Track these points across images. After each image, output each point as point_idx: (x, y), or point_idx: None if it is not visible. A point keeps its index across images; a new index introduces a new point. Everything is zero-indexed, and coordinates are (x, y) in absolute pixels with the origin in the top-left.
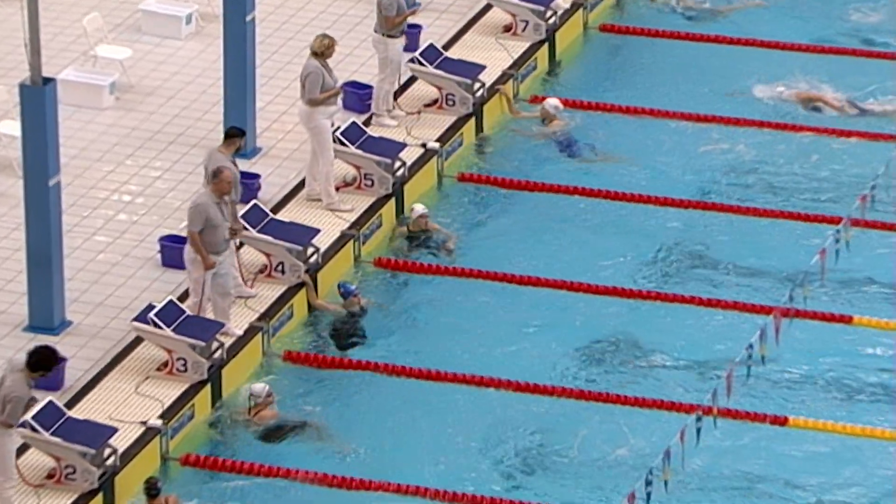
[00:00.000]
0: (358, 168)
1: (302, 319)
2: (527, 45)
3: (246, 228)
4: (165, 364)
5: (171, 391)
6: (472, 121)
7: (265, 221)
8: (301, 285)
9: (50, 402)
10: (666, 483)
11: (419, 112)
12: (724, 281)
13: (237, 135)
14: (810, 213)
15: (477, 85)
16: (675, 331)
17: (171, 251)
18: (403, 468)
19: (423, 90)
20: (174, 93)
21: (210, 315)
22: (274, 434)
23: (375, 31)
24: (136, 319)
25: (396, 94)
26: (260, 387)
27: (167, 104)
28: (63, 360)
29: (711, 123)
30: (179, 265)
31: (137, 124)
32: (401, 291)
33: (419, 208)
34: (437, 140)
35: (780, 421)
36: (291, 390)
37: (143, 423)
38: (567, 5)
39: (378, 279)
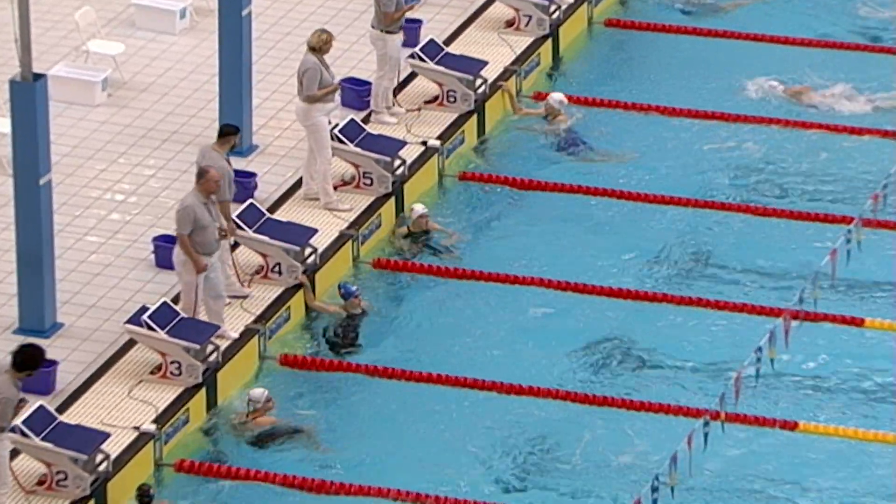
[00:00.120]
0: (357, 166)
1: (299, 322)
2: (530, 40)
3: (242, 228)
4: (159, 367)
5: (164, 395)
6: (474, 118)
7: (261, 221)
8: (298, 287)
9: (40, 407)
10: (672, 490)
11: (419, 109)
12: (732, 282)
13: (231, 132)
14: (820, 212)
15: (479, 81)
16: (681, 333)
17: (166, 251)
18: (400, 473)
19: (423, 86)
20: (168, 89)
21: (203, 318)
22: (267, 439)
23: (373, 27)
24: (129, 322)
25: (396, 91)
26: (259, 392)
27: (161, 101)
28: (54, 363)
29: (719, 121)
30: (174, 266)
31: (130, 121)
32: (400, 293)
33: (419, 208)
34: (438, 138)
35: (790, 426)
36: (288, 394)
37: (137, 428)
38: (571, 0)
39: (377, 280)
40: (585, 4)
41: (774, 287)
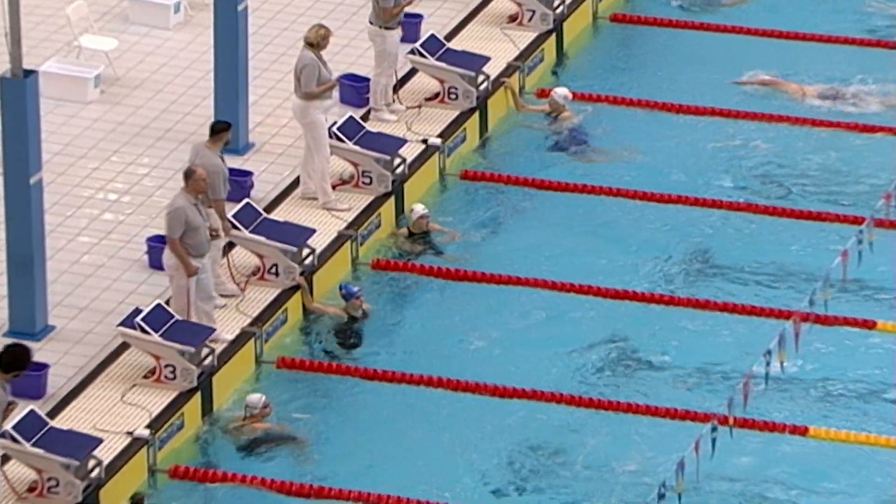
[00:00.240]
0: (355, 165)
1: (297, 324)
2: (533, 35)
3: (238, 228)
4: (153, 371)
5: (158, 400)
6: (476, 115)
7: (258, 221)
8: (296, 288)
9: (31, 412)
10: (680, 496)
11: (420, 106)
12: (740, 284)
13: (224, 129)
14: (831, 212)
15: (481, 78)
16: (688, 336)
17: (159, 252)
18: (398, 479)
19: (424, 83)
20: (162, 86)
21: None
22: (261, 445)
23: (371, 23)
24: (122, 324)
25: (396, 88)
26: (256, 398)
27: (155, 98)
28: (45, 366)
29: (727, 118)
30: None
31: (124, 119)
32: (400, 294)
33: (419, 209)
34: (439, 136)
35: (800, 431)
36: (285, 398)
37: (130, 433)
38: None
39: (377, 282)
40: None
41: (784, 289)
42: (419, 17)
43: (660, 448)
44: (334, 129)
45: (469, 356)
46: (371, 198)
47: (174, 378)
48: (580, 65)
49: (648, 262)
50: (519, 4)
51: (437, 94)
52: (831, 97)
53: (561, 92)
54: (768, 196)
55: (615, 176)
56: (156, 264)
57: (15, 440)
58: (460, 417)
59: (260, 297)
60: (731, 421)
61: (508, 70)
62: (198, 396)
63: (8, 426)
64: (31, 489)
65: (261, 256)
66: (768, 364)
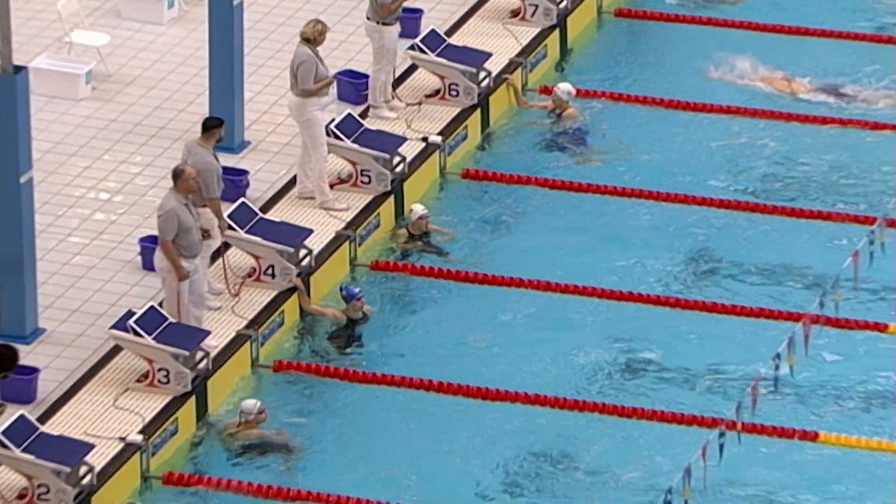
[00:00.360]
0: (354, 164)
1: (293, 327)
2: (536, 30)
3: (233, 229)
4: (146, 375)
5: (152, 404)
6: (478, 113)
7: (254, 221)
8: (293, 290)
9: (21, 417)
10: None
11: (420, 103)
12: (749, 285)
13: (216, 125)
14: (841, 212)
15: (482, 74)
16: (695, 339)
17: (153, 253)
18: (396, 485)
19: (424, 80)
20: (155, 82)
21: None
22: (255, 451)
23: (368, 19)
24: (114, 327)
25: (395, 84)
26: (251, 403)
27: (148, 94)
28: (35, 370)
29: (734, 115)
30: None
31: (116, 116)
32: (400, 296)
33: (419, 209)
34: (440, 133)
35: (810, 436)
36: (282, 402)
37: (122, 438)
38: None
39: (376, 283)
40: None
41: (793, 291)
42: (419, 11)
43: (665, 454)
44: (332, 126)
45: (469, 359)
46: (370, 197)
47: (168, 382)
48: (584, 61)
49: (653, 263)
50: None
51: (437, 91)
52: (827, 92)
53: (564, 88)
54: (776, 196)
55: (620, 175)
56: (149, 265)
57: (4, 446)
58: (460, 422)
59: (256, 299)
60: (739, 426)
61: (511, 66)
62: (192, 401)
63: None
64: (21, 496)
65: (257, 257)
66: (777, 368)
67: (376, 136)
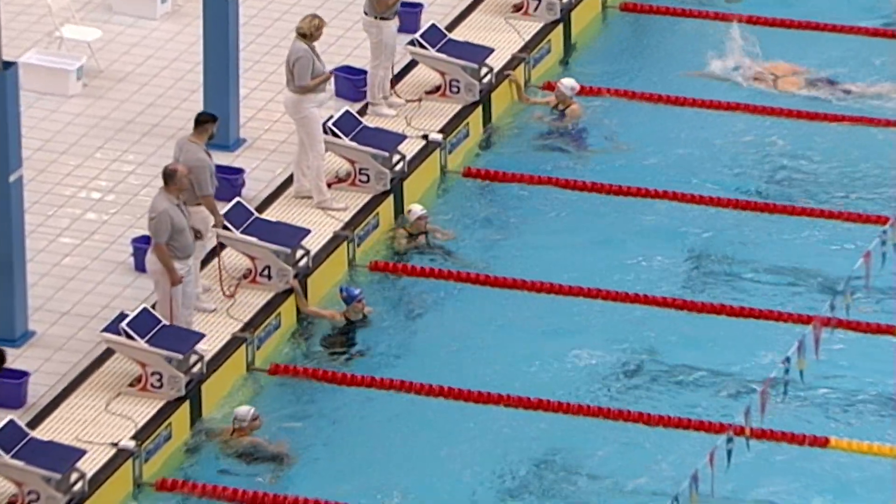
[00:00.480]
0: (352, 162)
1: (290, 329)
2: (540, 25)
3: (228, 229)
4: (139, 379)
5: (145, 409)
6: (479, 109)
7: (249, 221)
8: (289, 292)
9: (10, 422)
10: None
11: (420, 100)
12: (758, 287)
13: (209, 120)
14: (853, 211)
15: (484, 70)
16: (703, 342)
17: (145, 254)
18: (395, 492)
19: (424, 76)
20: (148, 78)
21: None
22: (249, 458)
23: (366, 14)
24: (106, 329)
25: (395, 81)
26: (245, 410)
27: (140, 91)
28: (25, 374)
29: (742, 112)
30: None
31: (108, 113)
32: (399, 298)
33: (417, 209)
34: (441, 131)
35: (821, 442)
36: (278, 407)
37: (115, 444)
38: None
39: (375, 285)
40: None
41: (803, 292)
42: (419, 6)
43: (672, 460)
44: (330, 124)
45: (469, 362)
46: (368, 196)
47: (161, 386)
48: (589, 56)
49: (659, 264)
50: None
51: (438, 88)
52: (820, 86)
53: (567, 83)
54: (785, 195)
55: (625, 173)
56: (141, 266)
57: None
58: (459, 427)
59: (252, 301)
60: (747, 432)
61: (513, 62)
62: (186, 405)
63: None
64: (10, 503)
65: (252, 258)
66: (787, 372)
67: (375, 134)
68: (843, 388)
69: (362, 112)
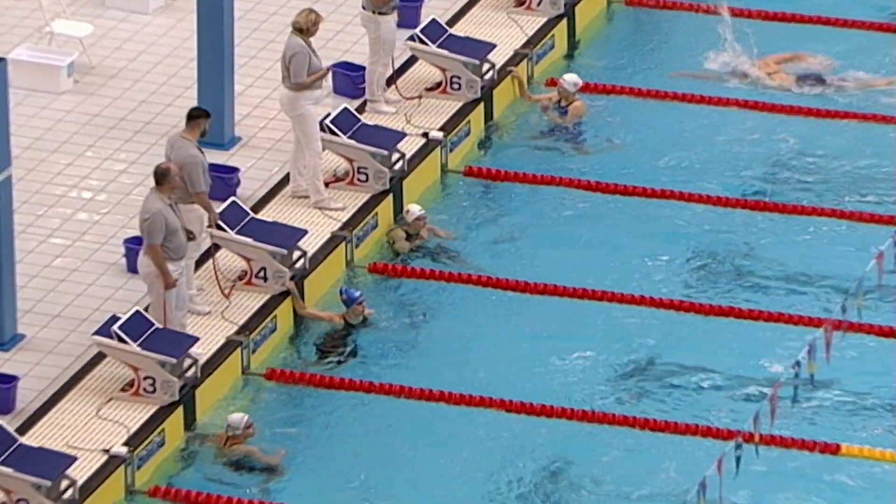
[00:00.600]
0: (350, 161)
1: (287, 333)
2: (543, 20)
3: (223, 229)
4: (131, 384)
5: (137, 414)
6: (481, 107)
7: (244, 221)
8: (285, 294)
9: None
10: None
11: (420, 97)
12: (767, 290)
13: (201, 115)
14: (865, 212)
15: (486, 66)
16: (710, 346)
17: (138, 255)
18: (392, 500)
19: (424, 72)
20: (141, 75)
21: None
22: (241, 467)
23: (364, 8)
24: (97, 333)
25: (394, 77)
26: (238, 417)
27: (133, 88)
28: (14, 378)
29: (751, 110)
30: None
31: (99, 110)
32: (399, 300)
33: (415, 210)
34: (441, 129)
35: (832, 449)
36: (274, 413)
37: (106, 450)
38: None
39: (373, 287)
40: None
41: (814, 295)
42: (419, 0)
43: (679, 467)
44: (327, 121)
45: (470, 367)
46: (367, 196)
47: (154, 391)
48: (593, 52)
49: (664, 265)
50: None
51: (438, 84)
52: (812, 82)
53: (570, 79)
54: (797, 194)
55: (630, 173)
56: (134, 268)
57: None
58: (459, 434)
59: (247, 303)
60: (756, 438)
61: (516, 58)
62: (179, 411)
63: None
64: None
65: (248, 260)
66: (797, 376)
67: (374, 132)
68: (854, 393)
69: (361, 109)
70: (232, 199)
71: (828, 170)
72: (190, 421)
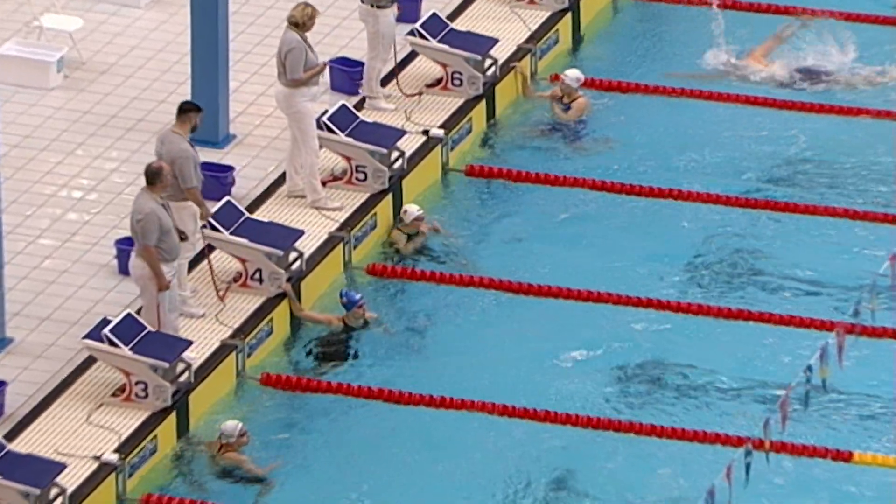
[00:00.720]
0: (348, 159)
1: (283, 336)
2: (547, 14)
3: (217, 230)
4: (123, 389)
5: (129, 420)
6: (483, 104)
7: (239, 222)
8: (282, 296)
9: None
10: None
11: (420, 94)
12: (777, 291)
13: (192, 109)
14: (878, 212)
15: (488, 62)
16: (719, 350)
17: (129, 256)
18: None
19: (424, 68)
20: (133, 70)
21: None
22: (234, 477)
23: (363, 2)
24: (88, 336)
25: (394, 73)
26: (232, 425)
27: (125, 84)
28: (2, 383)
29: (761, 106)
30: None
31: (90, 107)
32: (398, 303)
33: (413, 210)
34: (442, 126)
35: (844, 456)
36: (270, 419)
37: (97, 458)
38: None
39: (372, 289)
40: None
41: (826, 297)
42: None
43: (687, 475)
44: (324, 119)
45: (471, 371)
46: (366, 196)
47: (146, 396)
48: (598, 47)
49: (675, 267)
50: None
51: (439, 81)
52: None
53: (572, 74)
54: (808, 193)
55: (636, 171)
56: (125, 269)
57: None
58: (459, 440)
59: (242, 306)
60: (767, 444)
61: (519, 53)
62: (172, 417)
63: None
64: None
65: (243, 261)
66: (808, 381)
67: (373, 130)
68: (867, 399)
69: (359, 106)
70: (226, 198)
71: (839, 168)
72: (183, 427)
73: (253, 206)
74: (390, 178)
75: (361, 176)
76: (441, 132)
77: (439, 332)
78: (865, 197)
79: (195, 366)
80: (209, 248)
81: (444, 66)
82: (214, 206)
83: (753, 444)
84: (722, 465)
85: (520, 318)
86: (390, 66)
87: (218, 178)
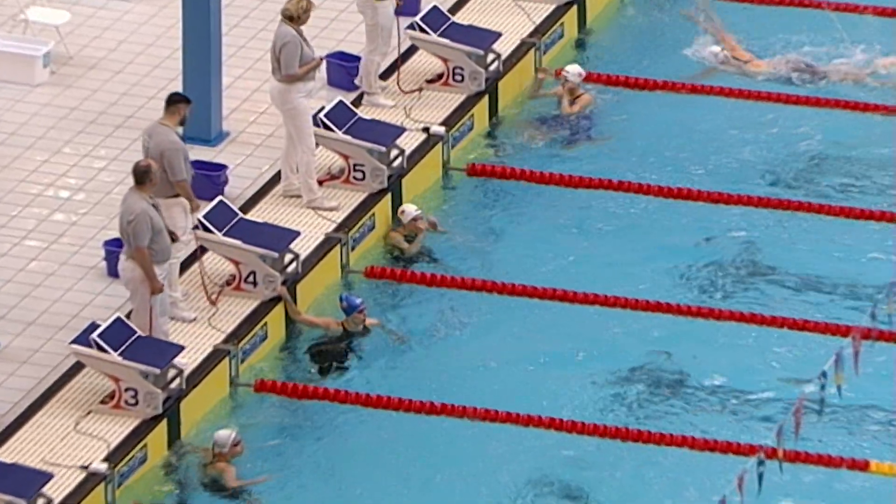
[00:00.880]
0: (346, 157)
1: (278, 341)
2: (551, 7)
3: (210, 231)
4: (112, 395)
5: (118, 428)
6: (485, 100)
7: (233, 222)
8: (277, 300)
9: None
10: None
11: (420, 89)
12: (790, 295)
13: (181, 101)
14: (894, 211)
15: (490, 56)
16: (730, 356)
17: (118, 258)
18: None
19: (425, 63)
20: (122, 65)
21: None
22: (227, 488)
23: None
24: (75, 341)
25: (393, 68)
26: (225, 435)
27: (113, 79)
28: None
29: (773, 102)
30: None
31: (78, 104)
32: (398, 306)
33: (411, 210)
34: (443, 123)
35: (860, 465)
36: (264, 426)
37: (85, 467)
38: None
39: (370, 292)
40: None
41: (841, 300)
42: None
43: (697, 484)
44: (321, 115)
45: (473, 377)
46: (364, 195)
47: (136, 403)
48: (605, 41)
49: (683, 269)
50: None
51: (440, 76)
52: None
53: (574, 70)
54: (821, 192)
55: (643, 170)
56: (114, 272)
57: None
58: (461, 449)
59: (235, 309)
60: (780, 454)
61: (522, 48)
62: (163, 425)
63: None
64: None
65: (236, 263)
66: (823, 388)
67: (371, 127)
68: (884, 407)
69: (357, 103)
70: (219, 198)
71: (851, 166)
72: (174, 435)
73: (247, 207)
74: (389, 178)
75: (359, 175)
76: (442, 129)
77: (440, 337)
78: (882, 197)
79: (187, 372)
80: (201, 250)
81: (446, 61)
82: (207, 206)
83: (766, 452)
84: (734, 475)
85: (523, 323)
86: (390, 59)
87: (210, 177)
